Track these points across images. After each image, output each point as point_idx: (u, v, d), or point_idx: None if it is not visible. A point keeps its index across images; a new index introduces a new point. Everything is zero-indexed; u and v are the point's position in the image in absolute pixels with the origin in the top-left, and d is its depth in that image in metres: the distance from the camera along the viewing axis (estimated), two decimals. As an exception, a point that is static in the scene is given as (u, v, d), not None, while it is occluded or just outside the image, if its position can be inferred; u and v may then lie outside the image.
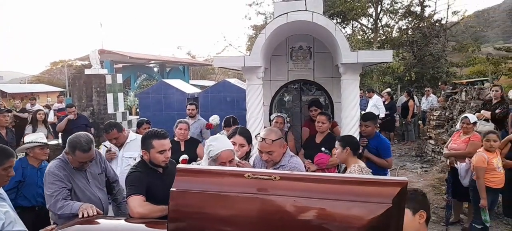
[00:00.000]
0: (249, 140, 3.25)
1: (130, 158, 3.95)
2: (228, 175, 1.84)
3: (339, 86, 4.57)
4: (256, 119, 4.49)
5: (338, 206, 1.66)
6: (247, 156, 3.19)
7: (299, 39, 5.12)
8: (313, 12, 4.16)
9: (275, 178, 1.77)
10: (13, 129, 6.61)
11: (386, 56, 4.18)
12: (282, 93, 5.58)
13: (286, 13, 4.18)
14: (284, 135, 4.69)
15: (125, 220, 2.65)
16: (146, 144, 2.71)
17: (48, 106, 11.43)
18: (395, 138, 10.89)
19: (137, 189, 2.58)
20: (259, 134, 2.90)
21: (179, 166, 1.92)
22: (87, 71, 8.90)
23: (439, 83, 11.80)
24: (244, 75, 4.53)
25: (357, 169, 3.10)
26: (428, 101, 10.99)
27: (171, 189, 1.77)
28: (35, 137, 3.71)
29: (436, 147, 8.35)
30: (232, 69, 5.39)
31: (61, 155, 2.96)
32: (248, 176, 1.79)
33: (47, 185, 2.77)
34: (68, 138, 2.89)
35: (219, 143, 2.52)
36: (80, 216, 2.51)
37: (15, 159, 2.47)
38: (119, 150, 4.07)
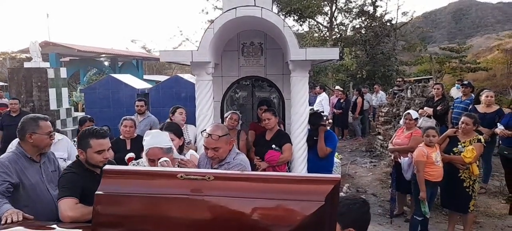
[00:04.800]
0: (178, 134, 3.21)
1: None
2: (159, 176, 1.75)
3: (289, 83, 4.58)
4: (206, 115, 4.40)
5: (272, 205, 1.62)
6: (181, 150, 3.17)
7: (250, 35, 5.07)
8: (262, 7, 4.12)
9: (209, 178, 1.71)
10: None
11: (332, 53, 4.23)
12: (234, 89, 5.51)
13: (235, 8, 4.11)
14: (237, 133, 4.65)
15: (58, 226, 2.47)
16: (83, 143, 2.54)
17: None
18: (348, 134, 11.21)
19: (70, 191, 2.41)
20: (205, 130, 2.83)
21: (106, 167, 1.80)
22: (26, 65, 8.29)
23: (398, 78, 12.34)
24: (193, 70, 4.41)
25: None
26: (377, 98, 11.40)
27: (96, 192, 1.64)
28: None
29: (384, 142, 8.68)
30: (180, 64, 5.23)
31: (14, 148, 2.77)
32: (181, 176, 1.71)
33: None
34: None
35: (151, 138, 2.43)
36: (2, 222, 2.29)
37: None
38: None
